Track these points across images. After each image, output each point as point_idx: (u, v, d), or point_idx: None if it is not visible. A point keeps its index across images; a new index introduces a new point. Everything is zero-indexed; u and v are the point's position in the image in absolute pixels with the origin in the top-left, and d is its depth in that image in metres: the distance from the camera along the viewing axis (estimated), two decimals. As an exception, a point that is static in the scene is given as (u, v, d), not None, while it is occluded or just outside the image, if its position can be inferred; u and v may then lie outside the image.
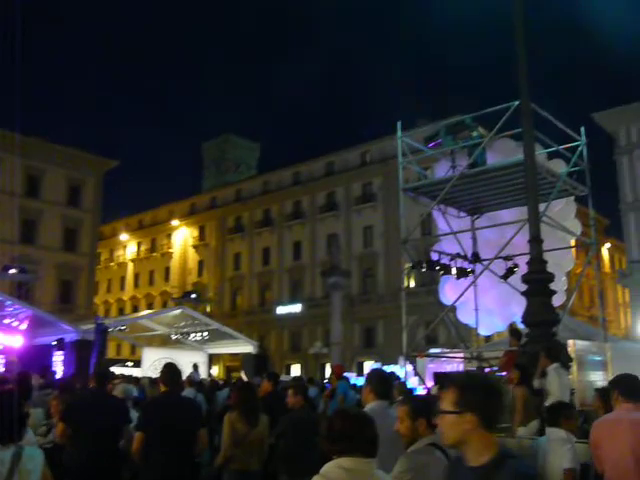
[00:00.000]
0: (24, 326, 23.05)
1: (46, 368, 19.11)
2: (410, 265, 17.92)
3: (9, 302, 23.50)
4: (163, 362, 7.90)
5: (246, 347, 27.61)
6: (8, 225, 49.29)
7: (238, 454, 7.28)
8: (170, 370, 7.05)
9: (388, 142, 51.03)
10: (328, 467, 3.35)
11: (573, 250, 19.35)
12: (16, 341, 22.62)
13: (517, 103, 13.75)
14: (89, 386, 9.34)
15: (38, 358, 21.62)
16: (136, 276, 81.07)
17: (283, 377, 22.95)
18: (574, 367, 12.13)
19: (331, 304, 34.20)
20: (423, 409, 4.43)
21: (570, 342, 12.69)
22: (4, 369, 20.84)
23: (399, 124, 17.11)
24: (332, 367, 19.35)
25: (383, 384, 5.78)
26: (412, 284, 51.09)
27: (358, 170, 61.64)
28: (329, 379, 17.60)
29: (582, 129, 16.58)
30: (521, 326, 13.78)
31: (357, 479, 3.30)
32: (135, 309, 73.51)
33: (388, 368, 22.40)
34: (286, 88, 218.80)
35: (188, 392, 13.68)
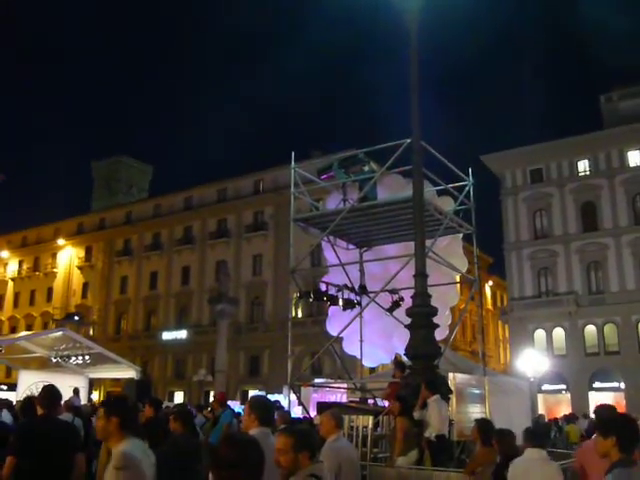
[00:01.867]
0: None
1: None
2: (297, 295, 17.95)
3: None
4: (40, 386, 7.63)
5: (128, 372, 26.98)
6: None
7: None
8: (49, 392, 6.81)
9: (282, 172, 51.40)
10: None
11: (458, 286, 19.80)
12: None
13: (409, 141, 14.02)
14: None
15: None
16: (16, 295, 78.24)
17: (167, 403, 22.58)
18: (453, 399, 12.42)
19: (217, 331, 33.91)
20: (307, 441, 4.40)
21: (450, 375, 13.00)
22: None
23: (292, 154, 17.24)
24: (215, 395, 19.14)
25: (265, 411, 5.72)
26: (300, 314, 51.35)
27: (251, 198, 61.74)
28: (210, 407, 17.37)
29: (469, 170, 17.13)
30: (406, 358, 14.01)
31: None
32: (13, 330, 70.76)
33: (272, 397, 22.37)
34: (182, 112, 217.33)
35: (65, 417, 13.25)
